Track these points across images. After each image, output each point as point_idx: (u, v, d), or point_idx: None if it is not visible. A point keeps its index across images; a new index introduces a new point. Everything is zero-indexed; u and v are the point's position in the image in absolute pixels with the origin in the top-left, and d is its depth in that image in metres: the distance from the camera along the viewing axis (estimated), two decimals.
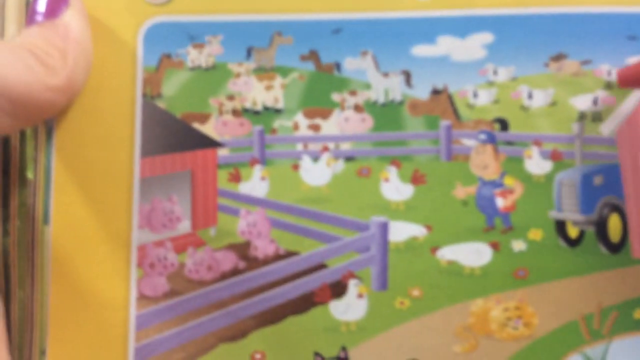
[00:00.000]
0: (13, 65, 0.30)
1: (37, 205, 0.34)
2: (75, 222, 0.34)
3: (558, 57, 0.34)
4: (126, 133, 0.34)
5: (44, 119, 0.33)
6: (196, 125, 0.35)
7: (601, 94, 0.34)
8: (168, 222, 0.34)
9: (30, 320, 0.34)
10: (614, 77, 0.34)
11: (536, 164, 0.34)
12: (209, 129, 0.35)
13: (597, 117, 0.34)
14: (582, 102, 0.34)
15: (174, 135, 0.35)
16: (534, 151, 0.34)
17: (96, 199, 0.34)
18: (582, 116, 0.34)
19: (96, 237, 0.34)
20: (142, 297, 0.34)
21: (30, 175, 0.35)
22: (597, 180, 0.34)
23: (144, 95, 0.34)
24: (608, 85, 0.34)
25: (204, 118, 0.35)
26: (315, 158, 0.35)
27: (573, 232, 0.33)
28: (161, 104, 0.35)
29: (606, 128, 0.34)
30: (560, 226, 0.33)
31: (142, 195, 0.34)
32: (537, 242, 0.33)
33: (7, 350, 0.31)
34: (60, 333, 0.34)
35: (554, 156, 0.34)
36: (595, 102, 0.34)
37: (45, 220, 0.34)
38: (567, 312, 0.33)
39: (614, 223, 0.34)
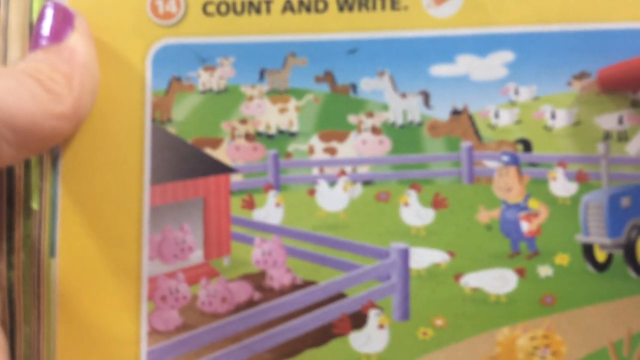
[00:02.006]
0: (16, 93, 0.31)
1: (43, 237, 0.35)
2: (83, 254, 0.35)
3: (581, 76, 0.35)
4: (135, 160, 0.35)
5: (49, 147, 0.34)
6: (208, 151, 0.36)
7: (626, 112, 0.35)
8: (180, 252, 0.35)
9: (36, 357, 0.35)
10: (639, 95, 0.35)
11: (561, 186, 0.35)
12: (221, 154, 0.36)
13: (623, 137, 0.35)
14: (607, 122, 0.35)
15: (185, 161, 0.36)
16: (559, 172, 0.35)
17: (104, 230, 0.35)
18: (607, 136, 0.35)
19: (105, 269, 0.35)
20: (154, 332, 0.35)
21: (35, 205, 0.35)
22: (625, 201, 0.35)
23: (154, 120, 0.35)
24: (633, 104, 0.35)
25: (216, 143, 0.36)
26: (332, 183, 0.36)
27: (601, 256, 0.34)
28: (171, 129, 0.36)
29: (633, 147, 0.35)
30: (588, 250, 0.34)
31: (152, 224, 0.35)
32: (564, 267, 0.34)
33: None
34: None
35: (580, 177, 0.35)
36: (620, 120, 0.35)
37: (52, 252, 0.35)
38: (596, 340, 0.34)
39: None
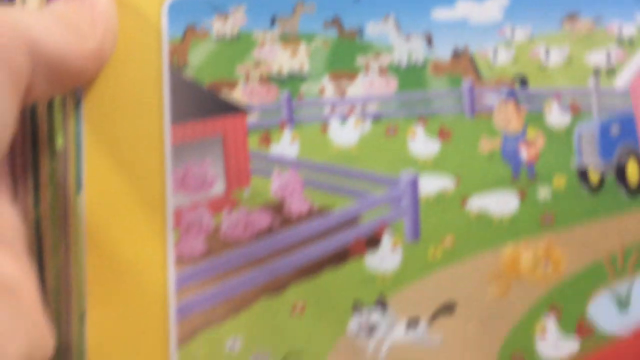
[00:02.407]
0: (50, 30, 0.33)
1: (69, 174, 0.37)
2: (109, 190, 0.37)
3: (571, 16, 0.39)
4: (155, 102, 0.38)
5: (75, 86, 0.36)
6: (224, 93, 0.39)
7: (614, 50, 0.39)
8: (202, 185, 0.38)
9: (66, 287, 0.37)
10: (624, 33, 0.39)
11: (556, 117, 0.38)
12: (237, 95, 0.39)
13: (611, 72, 0.39)
14: (596, 58, 0.39)
15: (203, 102, 0.39)
16: (554, 105, 0.39)
17: (128, 167, 0.37)
18: (597, 71, 0.39)
19: (131, 203, 0.37)
20: (180, 259, 0.37)
21: (59, 144, 0.38)
22: (614, 129, 0.39)
23: (171, 65, 0.38)
24: (619, 41, 0.39)
25: (231, 86, 0.39)
26: (343, 120, 0.39)
27: (594, 178, 0.38)
28: (189, 73, 0.38)
29: (620, 81, 0.39)
30: (582, 173, 0.38)
31: (174, 160, 0.38)
32: (561, 189, 0.38)
33: (45, 314, 0.33)
34: (98, 296, 0.36)
35: (573, 109, 0.39)
36: (608, 57, 0.39)
37: (78, 188, 0.37)
38: (593, 253, 0.37)
39: (632, 168, 0.38)
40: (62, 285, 0.37)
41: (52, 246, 0.37)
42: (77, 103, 0.37)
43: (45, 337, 0.33)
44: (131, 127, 0.37)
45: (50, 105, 0.37)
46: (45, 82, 0.33)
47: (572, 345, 0.36)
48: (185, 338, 0.36)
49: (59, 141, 0.37)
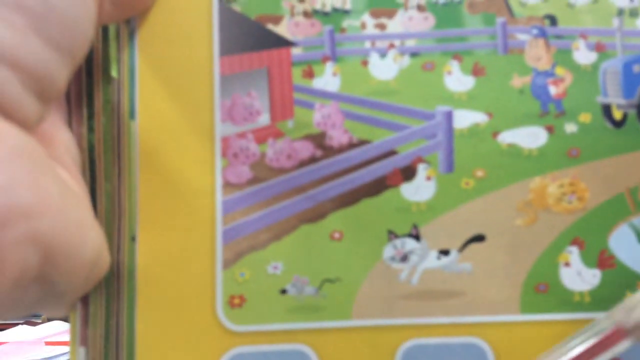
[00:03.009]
0: None
1: (123, 102, 0.40)
2: (161, 117, 0.39)
3: None
4: (205, 33, 0.40)
5: (133, 13, 0.38)
6: (270, 27, 0.41)
7: None
8: (248, 115, 0.40)
9: (118, 210, 0.40)
10: None
11: (583, 55, 0.41)
12: (282, 29, 0.41)
13: (635, 13, 0.41)
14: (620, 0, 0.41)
15: (250, 35, 0.41)
16: (581, 44, 0.41)
17: (180, 95, 0.40)
18: (620, 12, 0.41)
19: (181, 130, 0.39)
20: (228, 184, 0.40)
21: (114, 74, 0.40)
22: (637, 68, 0.41)
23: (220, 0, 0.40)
24: None
25: (277, 20, 0.41)
26: (383, 55, 0.41)
27: (618, 114, 0.41)
28: (237, 7, 0.40)
29: None
30: (606, 110, 0.41)
31: (222, 91, 0.40)
32: (587, 124, 0.41)
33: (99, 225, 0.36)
34: (149, 220, 0.39)
35: (598, 48, 0.41)
36: None
37: (131, 115, 0.40)
38: (615, 186, 0.40)
39: None
40: (115, 209, 0.39)
41: (104, 171, 0.39)
42: (131, 34, 0.39)
43: (106, 249, 0.35)
44: (182, 57, 0.39)
45: (105, 36, 0.39)
46: (112, 5, 0.36)
47: (594, 276, 0.39)
48: (230, 261, 0.38)
49: (113, 70, 0.39)
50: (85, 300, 0.38)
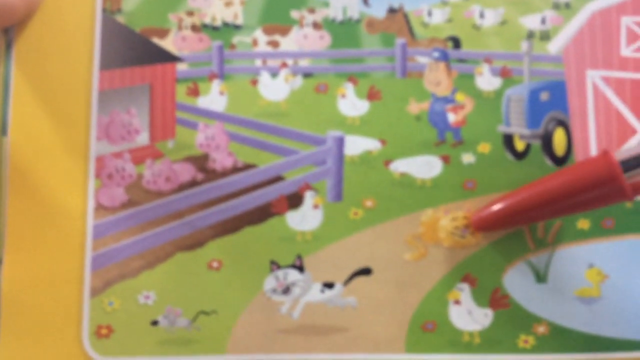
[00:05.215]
0: None
1: None
2: (34, 133, 0.37)
3: None
4: (85, 46, 0.38)
5: (8, 23, 0.37)
6: (155, 40, 0.39)
7: (549, 13, 0.39)
8: (126, 134, 0.38)
9: None
10: None
11: (486, 81, 0.38)
12: (168, 44, 0.39)
13: (545, 36, 0.39)
14: (531, 21, 0.39)
15: (133, 49, 0.39)
16: (485, 68, 0.39)
17: (55, 111, 0.38)
18: (530, 35, 0.39)
19: (54, 147, 0.38)
20: (100, 207, 0.38)
21: None
22: (544, 96, 0.39)
23: (104, 10, 0.38)
24: (556, 5, 0.39)
25: (163, 33, 0.39)
26: (274, 74, 0.39)
27: (520, 145, 0.38)
28: (121, 19, 0.38)
29: (554, 46, 0.38)
30: (508, 140, 0.38)
31: (101, 107, 0.38)
32: (486, 155, 0.38)
33: None
34: (17, 242, 0.37)
35: (504, 73, 0.39)
36: (543, 21, 0.39)
37: (3, 130, 0.38)
38: None
39: (559, 137, 0.38)
40: None
41: None
42: (9, 45, 0.37)
43: None
44: (61, 71, 0.37)
45: None
46: None
47: (486, 316, 0.37)
48: (98, 289, 0.37)
49: None
50: None
